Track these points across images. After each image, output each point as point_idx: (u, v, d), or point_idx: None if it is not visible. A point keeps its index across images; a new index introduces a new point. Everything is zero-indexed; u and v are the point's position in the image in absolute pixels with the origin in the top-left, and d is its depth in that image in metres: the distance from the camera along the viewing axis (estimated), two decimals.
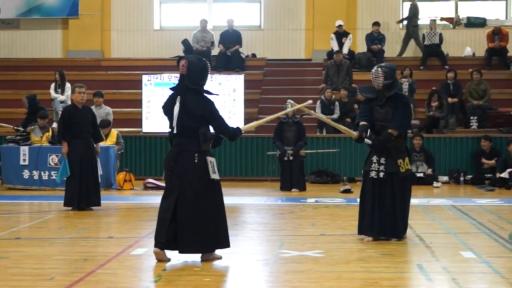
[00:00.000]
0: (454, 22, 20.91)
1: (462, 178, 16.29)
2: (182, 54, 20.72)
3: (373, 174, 8.78)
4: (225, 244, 7.63)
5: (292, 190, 14.65)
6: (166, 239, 7.43)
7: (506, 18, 21.61)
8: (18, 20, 22.28)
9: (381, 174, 8.69)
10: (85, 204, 11.60)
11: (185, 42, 20.81)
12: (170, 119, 7.88)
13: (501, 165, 15.78)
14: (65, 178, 11.73)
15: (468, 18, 20.75)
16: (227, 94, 14.68)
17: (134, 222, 10.75)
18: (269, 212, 11.94)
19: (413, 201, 13.06)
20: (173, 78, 15.01)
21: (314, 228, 9.98)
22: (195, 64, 7.68)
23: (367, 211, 8.77)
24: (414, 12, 20.80)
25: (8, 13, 22.05)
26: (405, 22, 21.28)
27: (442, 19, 20.93)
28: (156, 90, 14.92)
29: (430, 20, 20.52)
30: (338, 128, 9.54)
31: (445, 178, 16.48)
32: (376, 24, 20.46)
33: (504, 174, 15.50)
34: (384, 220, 8.70)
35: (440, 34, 20.31)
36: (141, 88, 15.12)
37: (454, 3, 21.94)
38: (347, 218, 10.91)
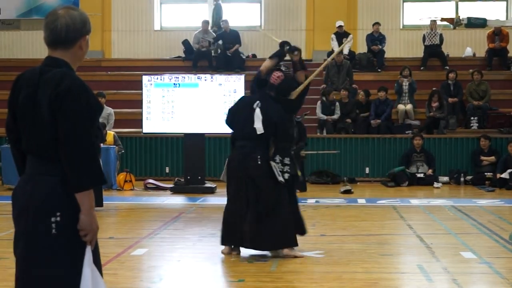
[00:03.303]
0: (455, 22, 20.90)
1: (462, 179, 16.28)
2: (183, 55, 20.73)
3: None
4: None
5: None
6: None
7: (507, 18, 21.60)
8: (19, 20, 22.29)
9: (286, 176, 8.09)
10: None
11: (185, 43, 20.81)
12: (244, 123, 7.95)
13: (502, 166, 15.78)
14: None
15: (469, 19, 20.74)
16: (227, 95, 14.67)
17: (135, 222, 10.76)
18: None
19: (414, 201, 13.17)
20: (173, 79, 15.01)
21: (315, 229, 9.98)
22: (285, 78, 8.10)
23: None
24: (218, 12, 20.94)
25: (9, 13, 22.05)
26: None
27: (442, 19, 20.93)
28: (156, 91, 14.91)
29: (431, 20, 20.51)
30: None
31: (446, 179, 16.47)
32: (377, 24, 20.45)
33: (505, 175, 15.50)
34: None
35: (441, 35, 20.30)
36: (141, 89, 15.11)
37: (454, 4, 21.93)
38: (347, 219, 10.92)
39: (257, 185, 7.74)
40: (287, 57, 8.53)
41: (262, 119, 7.78)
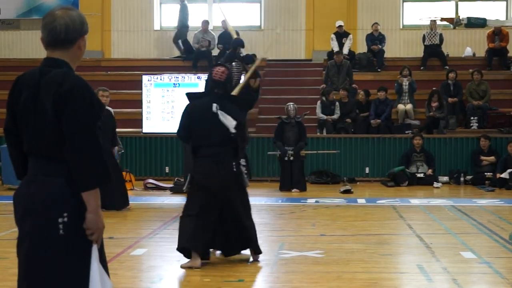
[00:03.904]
0: (455, 22, 20.90)
1: (462, 179, 16.28)
2: (183, 55, 20.73)
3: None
4: None
5: (293, 190, 14.64)
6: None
7: (507, 18, 21.60)
8: (18, 20, 22.28)
9: None
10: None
11: (185, 43, 20.81)
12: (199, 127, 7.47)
13: (501, 166, 15.78)
14: None
15: (469, 19, 20.74)
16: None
17: (134, 222, 10.76)
18: (269, 213, 11.94)
19: (414, 201, 13.17)
20: (173, 79, 15.01)
21: (314, 229, 9.98)
22: (230, 73, 7.72)
23: None
24: (183, 13, 20.90)
25: (8, 13, 22.05)
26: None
27: (442, 19, 20.93)
28: (156, 91, 14.93)
29: (431, 20, 20.51)
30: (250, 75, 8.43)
31: (445, 179, 16.47)
32: (376, 24, 20.45)
33: (504, 175, 15.50)
34: None
35: (441, 35, 20.30)
36: (141, 89, 15.13)
37: (454, 4, 21.93)
38: (347, 219, 10.92)
39: (231, 193, 7.43)
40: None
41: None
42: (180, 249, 7.43)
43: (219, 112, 7.36)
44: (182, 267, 7.34)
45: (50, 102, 3.57)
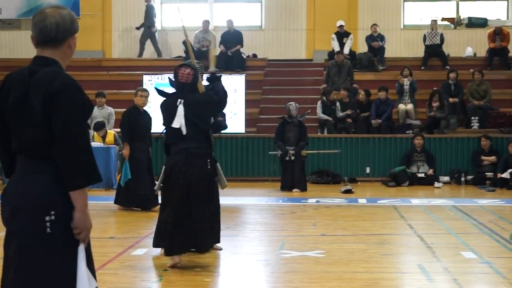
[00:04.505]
0: (455, 22, 20.89)
1: (463, 179, 16.27)
2: (183, 55, 20.74)
3: None
4: None
5: (293, 190, 14.64)
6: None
7: (507, 18, 21.58)
8: (19, 20, 22.28)
9: None
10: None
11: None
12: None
13: (502, 166, 15.77)
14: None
15: (469, 18, 20.73)
16: (228, 94, 14.64)
17: (135, 222, 10.75)
18: (270, 213, 11.94)
19: (415, 201, 13.17)
20: None
21: (315, 229, 9.98)
22: (196, 72, 7.52)
23: None
24: (149, 14, 21.00)
25: (9, 13, 22.05)
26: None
27: (443, 19, 20.92)
28: None
29: (431, 20, 20.51)
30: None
31: (446, 179, 16.47)
32: (375, 25, 20.43)
33: (505, 175, 15.50)
34: None
35: (441, 34, 20.29)
36: None
37: (455, 3, 21.93)
38: (348, 219, 10.92)
39: (202, 189, 7.22)
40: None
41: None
42: (155, 245, 7.59)
43: (180, 107, 7.26)
44: (168, 267, 7.30)
45: (40, 101, 3.57)
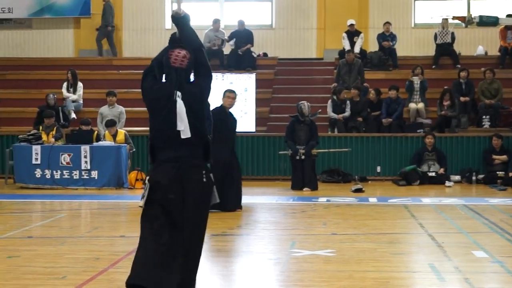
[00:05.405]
0: (466, 21, 20.78)
1: (474, 178, 16.22)
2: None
3: None
4: None
5: (304, 189, 14.63)
6: None
7: None
8: (30, 19, 22.34)
9: None
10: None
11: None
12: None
13: None
14: None
15: (480, 17, 20.61)
16: (238, 93, 14.66)
17: None
18: (280, 211, 11.94)
19: (425, 200, 13.14)
20: None
21: (326, 228, 9.97)
22: (192, 57, 5.78)
23: None
24: (107, 13, 21.08)
25: (20, 12, 22.10)
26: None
27: (454, 18, 20.83)
28: None
29: (442, 19, 20.44)
30: None
31: (457, 178, 16.42)
32: (387, 23, 20.40)
33: None
34: None
35: (452, 33, 20.24)
36: None
37: (466, 2, 21.86)
38: (358, 218, 10.90)
39: (192, 210, 5.48)
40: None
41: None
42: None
43: (178, 101, 5.54)
44: None
45: None
